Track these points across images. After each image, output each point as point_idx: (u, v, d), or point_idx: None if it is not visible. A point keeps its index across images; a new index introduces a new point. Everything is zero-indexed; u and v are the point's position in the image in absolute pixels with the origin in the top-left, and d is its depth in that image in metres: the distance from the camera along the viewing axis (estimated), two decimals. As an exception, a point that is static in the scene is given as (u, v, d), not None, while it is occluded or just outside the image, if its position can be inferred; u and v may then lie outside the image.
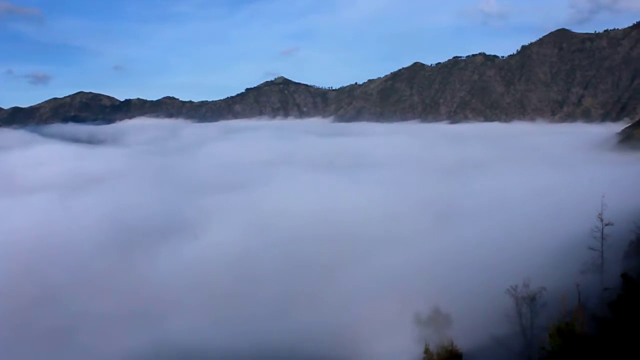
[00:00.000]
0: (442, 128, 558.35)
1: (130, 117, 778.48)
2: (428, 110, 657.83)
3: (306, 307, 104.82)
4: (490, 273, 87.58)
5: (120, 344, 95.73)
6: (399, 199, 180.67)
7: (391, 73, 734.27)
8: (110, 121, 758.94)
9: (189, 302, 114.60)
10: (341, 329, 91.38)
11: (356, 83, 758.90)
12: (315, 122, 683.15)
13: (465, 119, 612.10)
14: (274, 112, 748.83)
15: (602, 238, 67.76)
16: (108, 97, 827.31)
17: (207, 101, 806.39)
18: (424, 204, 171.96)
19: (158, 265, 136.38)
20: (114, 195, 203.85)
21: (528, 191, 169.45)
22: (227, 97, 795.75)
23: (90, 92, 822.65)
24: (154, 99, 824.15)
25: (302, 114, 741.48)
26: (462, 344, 50.79)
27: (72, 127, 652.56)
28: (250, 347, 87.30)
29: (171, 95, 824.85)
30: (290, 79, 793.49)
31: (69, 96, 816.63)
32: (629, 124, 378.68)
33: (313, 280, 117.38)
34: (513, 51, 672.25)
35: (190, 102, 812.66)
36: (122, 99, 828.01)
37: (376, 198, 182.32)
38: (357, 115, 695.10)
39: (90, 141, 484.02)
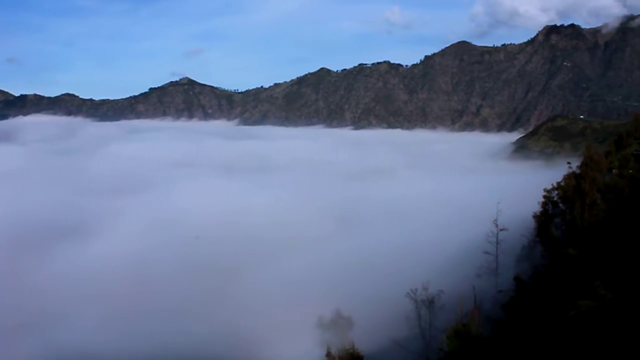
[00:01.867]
0: (347, 133, 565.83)
1: (25, 114, 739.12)
2: (333, 116, 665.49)
3: (208, 310, 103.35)
4: (392, 277, 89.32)
5: (12, 351, 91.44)
6: (303, 203, 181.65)
7: (297, 77, 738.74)
8: (3, 117, 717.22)
9: (87, 306, 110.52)
10: (244, 332, 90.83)
11: (262, 86, 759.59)
12: (220, 125, 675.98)
13: (369, 125, 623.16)
14: (178, 113, 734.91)
15: (497, 243, 70.33)
16: (1, 91, 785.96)
17: (108, 100, 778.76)
18: (327, 209, 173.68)
19: (53, 268, 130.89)
20: (6, 195, 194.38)
21: (429, 197, 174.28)
22: (130, 96, 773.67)
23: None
24: (52, 95, 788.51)
25: (207, 116, 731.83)
26: (363, 346, 51.37)
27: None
28: (151, 351, 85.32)
29: (71, 92, 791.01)
30: (195, 79, 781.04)
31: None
32: (523, 135, 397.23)
33: (215, 283, 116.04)
34: (416, 60, 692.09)
35: (91, 100, 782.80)
36: (16, 94, 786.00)
37: (280, 202, 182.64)
38: (262, 119, 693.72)
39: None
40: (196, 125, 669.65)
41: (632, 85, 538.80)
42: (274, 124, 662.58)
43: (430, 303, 60.53)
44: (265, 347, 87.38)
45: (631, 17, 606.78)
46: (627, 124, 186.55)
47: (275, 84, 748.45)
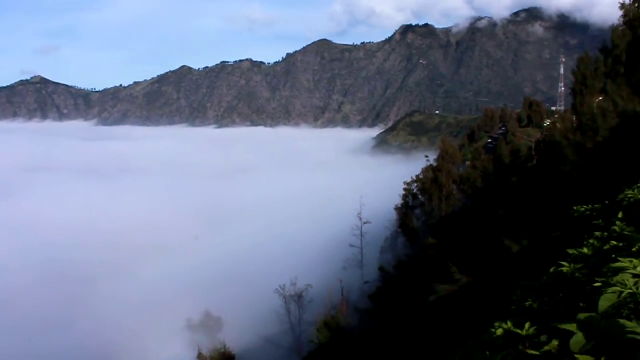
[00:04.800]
0: (210, 132, 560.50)
1: None
2: (196, 114, 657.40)
3: (67, 322, 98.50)
4: (261, 275, 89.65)
5: None
6: (167, 206, 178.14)
7: (158, 76, 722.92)
8: None
9: None
10: (106, 342, 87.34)
11: (121, 85, 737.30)
12: (77, 125, 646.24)
13: (233, 123, 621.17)
14: (31, 114, 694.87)
15: (362, 236, 72.48)
16: None
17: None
18: (193, 211, 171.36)
19: None
20: None
21: (295, 194, 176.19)
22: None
23: None
24: None
25: (62, 117, 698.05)
26: (234, 345, 51.40)
27: None
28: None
29: None
30: (49, 78, 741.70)
31: None
32: (383, 130, 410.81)
33: (75, 293, 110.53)
34: (279, 58, 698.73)
35: None
36: None
37: (145, 205, 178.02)
38: (122, 119, 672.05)
39: None
40: (51, 126, 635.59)
41: (481, 82, 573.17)
42: (134, 124, 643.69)
43: (299, 298, 61.29)
44: (136, 355, 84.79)
45: (479, 19, 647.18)
46: (479, 118, 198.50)
47: (135, 83, 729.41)
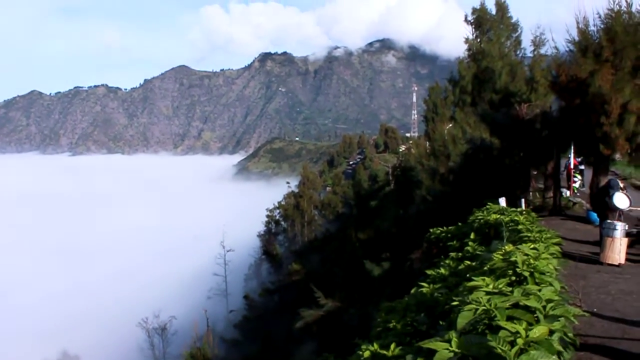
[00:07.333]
0: (64, 160, 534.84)
1: None
2: (47, 142, 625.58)
3: None
4: (121, 308, 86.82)
5: None
6: (19, 240, 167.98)
7: (4, 101, 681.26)
8: None
9: None
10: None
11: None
12: None
13: (88, 150, 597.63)
14: None
15: (225, 264, 72.09)
16: None
17: None
18: (48, 244, 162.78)
19: None
20: None
21: (155, 224, 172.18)
22: None
23: None
24: None
25: None
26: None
27: None
28: None
29: None
30: None
31: None
32: (244, 157, 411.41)
33: None
34: (136, 84, 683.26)
35: None
36: None
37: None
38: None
39: None
40: None
41: (339, 109, 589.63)
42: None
43: (162, 330, 59.79)
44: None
45: (335, 48, 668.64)
46: (337, 145, 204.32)
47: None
